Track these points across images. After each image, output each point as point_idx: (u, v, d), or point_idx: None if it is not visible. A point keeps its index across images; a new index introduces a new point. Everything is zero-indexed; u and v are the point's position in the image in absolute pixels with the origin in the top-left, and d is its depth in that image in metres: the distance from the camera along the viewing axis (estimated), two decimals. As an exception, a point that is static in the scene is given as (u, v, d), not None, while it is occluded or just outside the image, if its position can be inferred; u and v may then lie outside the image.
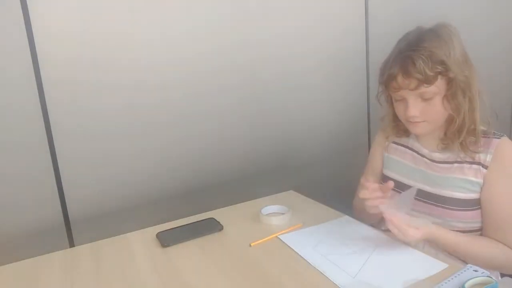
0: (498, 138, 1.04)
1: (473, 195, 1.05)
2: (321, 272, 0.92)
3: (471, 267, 0.88)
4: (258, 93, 1.51)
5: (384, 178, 1.22)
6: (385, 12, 1.70)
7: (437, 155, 1.11)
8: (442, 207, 1.07)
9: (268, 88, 1.53)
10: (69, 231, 1.30)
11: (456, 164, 1.07)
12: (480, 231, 1.08)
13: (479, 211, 1.06)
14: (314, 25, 1.57)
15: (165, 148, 1.39)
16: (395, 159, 1.20)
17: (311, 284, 0.89)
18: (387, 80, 1.03)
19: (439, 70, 0.97)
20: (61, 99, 1.22)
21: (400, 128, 1.17)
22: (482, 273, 0.85)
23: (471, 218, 1.06)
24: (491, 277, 0.83)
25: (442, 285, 0.83)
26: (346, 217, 1.17)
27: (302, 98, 1.60)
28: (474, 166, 1.04)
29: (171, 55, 1.34)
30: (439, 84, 0.99)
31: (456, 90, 1.00)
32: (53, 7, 1.18)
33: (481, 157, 1.04)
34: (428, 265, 0.91)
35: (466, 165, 1.05)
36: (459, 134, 1.04)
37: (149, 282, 0.94)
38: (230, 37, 1.42)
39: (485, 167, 1.03)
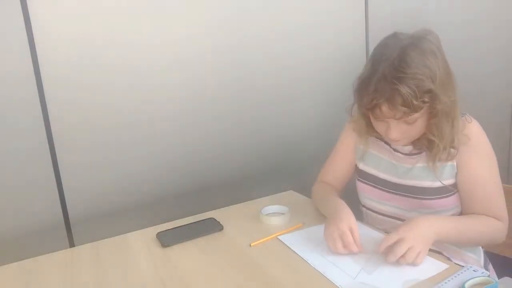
0: (462, 117, 1.03)
1: (448, 181, 1.05)
2: (321, 273, 0.92)
3: (471, 267, 0.88)
4: (258, 94, 1.51)
5: (360, 173, 1.20)
6: (385, 12, 1.70)
7: (409, 149, 1.11)
8: (419, 198, 1.08)
9: (268, 89, 1.53)
10: (69, 231, 1.30)
11: (425, 152, 1.06)
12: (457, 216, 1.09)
13: (454, 196, 1.07)
14: (314, 25, 1.57)
15: (165, 149, 1.39)
16: (374, 154, 1.17)
17: (311, 285, 0.89)
18: (370, 106, 0.98)
19: (427, 101, 0.94)
20: (61, 100, 1.22)
21: (374, 133, 1.13)
22: (482, 273, 0.85)
23: (447, 206, 1.07)
24: (491, 277, 0.83)
25: (442, 285, 0.83)
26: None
27: (302, 98, 1.60)
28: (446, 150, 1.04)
29: (171, 57, 1.34)
30: (424, 110, 0.97)
31: (441, 117, 0.99)
32: (53, 7, 1.18)
33: (452, 142, 1.03)
34: (429, 265, 0.91)
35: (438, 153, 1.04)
36: (435, 153, 1.03)
37: (149, 282, 0.94)
38: (229, 39, 1.42)
39: (456, 148, 1.03)
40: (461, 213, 1.10)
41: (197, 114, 1.42)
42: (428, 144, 1.04)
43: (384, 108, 0.96)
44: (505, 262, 1.24)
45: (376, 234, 1.08)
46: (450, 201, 1.07)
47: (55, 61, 1.20)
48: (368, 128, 1.13)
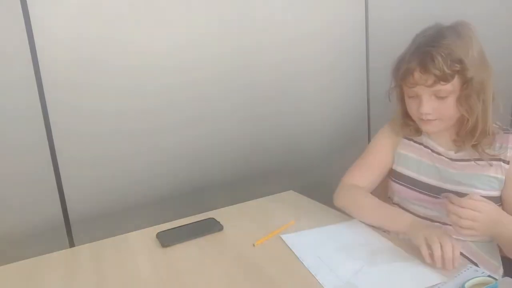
0: None
1: (493, 193, 1.03)
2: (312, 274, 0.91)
3: (471, 267, 0.88)
4: (258, 94, 1.51)
5: (397, 175, 1.19)
6: (385, 12, 1.70)
7: (453, 153, 1.10)
8: None
9: (268, 89, 1.53)
10: (69, 231, 1.30)
11: (474, 161, 1.05)
12: None
13: None
14: (314, 26, 1.57)
15: (165, 149, 1.39)
16: (411, 156, 1.17)
17: (300, 286, 0.89)
18: (404, 74, 1.02)
19: (457, 69, 0.97)
20: (61, 100, 1.22)
21: (411, 128, 1.15)
22: (482, 273, 0.85)
23: None
24: (491, 277, 0.83)
25: (442, 285, 0.83)
26: (355, 220, 1.15)
27: (302, 99, 1.60)
28: (494, 162, 1.03)
29: (171, 58, 1.34)
30: (455, 83, 0.99)
31: (471, 92, 0.99)
32: (53, 9, 1.18)
33: (500, 152, 1.02)
34: (425, 277, 0.88)
35: (485, 162, 1.03)
36: (471, 136, 1.03)
37: (149, 282, 0.94)
38: (230, 39, 1.42)
39: (506, 162, 1.02)
40: None
41: (198, 114, 1.42)
42: (463, 129, 1.03)
43: (417, 73, 0.99)
44: (505, 262, 1.24)
45: (382, 239, 1.05)
46: None
47: (55, 62, 1.20)
48: (405, 120, 1.14)
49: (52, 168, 1.24)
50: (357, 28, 1.67)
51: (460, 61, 0.97)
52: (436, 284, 0.83)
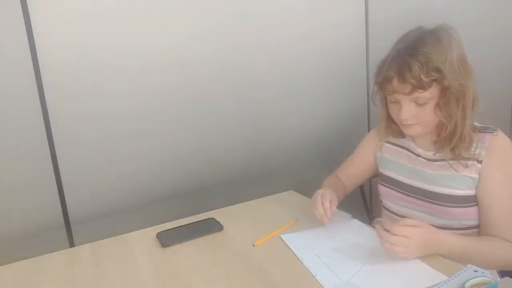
0: (492, 133, 1.05)
1: (469, 192, 1.05)
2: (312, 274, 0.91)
3: (471, 267, 0.88)
4: (258, 94, 1.51)
5: (381, 177, 1.23)
6: (385, 12, 1.70)
7: (432, 154, 1.12)
8: (440, 204, 1.08)
9: (268, 89, 1.53)
10: (69, 231, 1.30)
11: (450, 162, 1.07)
12: (476, 229, 1.08)
13: (475, 208, 1.06)
14: (314, 26, 1.57)
15: (165, 149, 1.39)
16: (391, 159, 1.21)
17: (300, 286, 0.89)
18: (383, 82, 1.04)
19: (434, 78, 0.97)
20: (61, 101, 1.22)
21: (395, 129, 1.17)
22: (482, 273, 0.85)
23: (468, 215, 1.07)
24: (491, 277, 0.83)
25: (442, 285, 0.83)
26: (355, 220, 1.16)
27: (302, 99, 1.60)
28: (469, 162, 1.05)
29: (171, 59, 1.34)
30: (433, 91, 1.00)
31: (450, 98, 1.00)
32: (54, 12, 1.17)
33: (475, 152, 1.04)
34: (427, 276, 0.88)
35: (461, 162, 1.05)
36: (450, 141, 1.05)
37: (149, 282, 0.94)
38: (229, 38, 1.42)
39: (480, 161, 1.03)
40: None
41: (197, 114, 1.42)
42: (441, 133, 1.05)
43: (395, 81, 1.00)
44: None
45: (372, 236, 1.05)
46: (472, 211, 1.06)
47: (55, 65, 1.20)
48: (389, 122, 1.17)
49: (52, 168, 1.24)
50: (357, 28, 1.67)
51: (438, 70, 0.97)
52: (436, 284, 0.83)
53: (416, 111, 1.03)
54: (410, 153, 1.17)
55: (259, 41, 1.47)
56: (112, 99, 1.29)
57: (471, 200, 1.06)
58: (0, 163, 1.18)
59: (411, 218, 1.11)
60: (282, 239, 1.08)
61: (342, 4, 1.61)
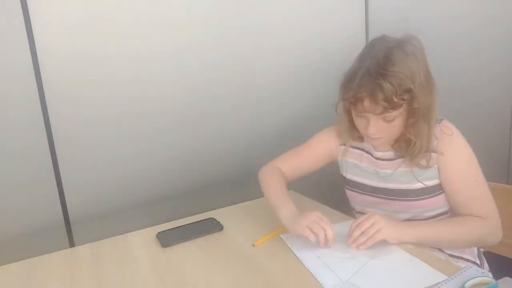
0: (439, 123, 1.08)
1: (431, 182, 1.08)
2: (314, 275, 0.92)
3: (471, 267, 0.88)
4: (258, 93, 1.51)
5: (346, 181, 1.24)
6: (385, 12, 1.70)
7: (390, 154, 1.14)
8: (405, 200, 1.11)
9: (268, 88, 1.53)
10: (69, 231, 1.30)
11: (407, 158, 1.09)
12: (444, 215, 1.12)
13: (442, 195, 1.09)
14: (314, 25, 1.57)
15: (165, 149, 1.39)
16: (354, 163, 1.22)
17: (300, 286, 0.89)
18: (354, 101, 1.02)
19: (406, 99, 0.98)
20: (61, 102, 1.22)
21: (355, 134, 1.17)
22: (482, 273, 0.85)
23: (435, 204, 1.10)
24: (491, 277, 0.83)
25: (442, 285, 0.83)
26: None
27: (302, 98, 1.60)
28: (426, 154, 1.07)
29: (171, 61, 1.34)
30: (402, 109, 1.01)
31: (418, 118, 1.02)
32: (55, 15, 1.17)
33: (429, 144, 1.06)
34: (427, 275, 0.88)
35: (417, 156, 1.07)
36: (413, 154, 1.06)
37: (149, 282, 0.94)
38: (229, 37, 1.42)
39: (435, 151, 1.06)
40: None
41: (197, 115, 1.42)
42: (407, 147, 1.07)
43: (366, 102, 1.00)
44: (505, 262, 1.24)
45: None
46: (437, 200, 1.10)
47: (55, 60, 1.20)
48: (351, 128, 1.16)
49: (52, 168, 1.24)
50: (357, 28, 1.67)
51: (409, 91, 0.98)
52: (436, 284, 0.83)
53: (384, 127, 1.04)
54: (370, 156, 1.18)
55: (259, 41, 1.47)
56: (112, 100, 1.28)
57: (435, 190, 1.09)
58: (0, 163, 1.18)
59: None
60: (282, 239, 1.08)
61: (342, 4, 1.61)
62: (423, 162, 1.07)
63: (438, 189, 1.09)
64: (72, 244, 1.30)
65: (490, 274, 0.85)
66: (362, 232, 0.98)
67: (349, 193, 1.25)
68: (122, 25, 1.26)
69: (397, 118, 1.02)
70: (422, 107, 1.01)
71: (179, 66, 1.36)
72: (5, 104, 1.16)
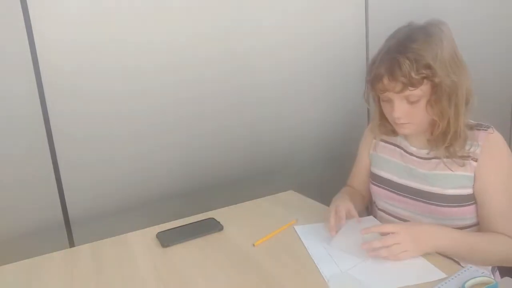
0: (486, 130, 1.04)
1: (464, 191, 1.04)
2: (315, 266, 0.93)
3: (471, 267, 0.88)
4: (259, 94, 1.51)
5: (373, 176, 1.22)
6: (385, 11, 1.70)
7: (425, 152, 1.10)
8: (433, 204, 1.07)
9: (268, 89, 1.53)
10: (69, 231, 1.30)
11: (444, 161, 1.06)
12: (471, 228, 1.07)
13: (472, 207, 1.05)
14: (314, 25, 1.57)
15: (165, 149, 1.39)
16: (384, 157, 1.19)
17: (300, 286, 0.89)
18: (373, 80, 1.02)
19: (425, 75, 0.96)
20: (61, 101, 1.22)
21: (388, 128, 1.16)
22: (482, 273, 0.85)
23: (462, 215, 1.05)
24: (491, 277, 0.83)
25: (442, 285, 0.83)
26: (371, 217, 1.16)
27: (302, 99, 1.60)
28: (465, 161, 1.03)
29: (172, 60, 1.34)
30: (424, 88, 0.98)
31: (441, 96, 0.99)
32: (54, 12, 1.18)
33: (470, 150, 1.03)
34: (426, 272, 0.89)
35: (456, 160, 1.04)
36: (443, 139, 1.03)
37: (149, 282, 0.94)
38: (230, 39, 1.42)
39: (475, 160, 1.02)
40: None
41: (197, 115, 1.42)
42: (442, 140, 1.03)
43: (385, 80, 0.99)
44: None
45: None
46: (467, 211, 1.05)
47: (56, 66, 1.20)
48: (382, 121, 1.15)
49: (52, 168, 1.24)
50: (357, 28, 1.67)
51: (428, 66, 0.96)
52: (436, 284, 0.83)
53: (408, 109, 1.01)
54: (403, 152, 1.15)
55: (259, 41, 1.47)
56: (112, 99, 1.29)
57: (466, 199, 1.04)
58: (0, 163, 1.18)
59: (403, 219, 1.14)
60: (295, 230, 1.11)
61: (342, 4, 1.61)
62: (459, 152, 1.02)
63: (470, 199, 1.04)
64: (72, 244, 1.30)
65: (490, 274, 0.85)
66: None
67: (374, 188, 1.21)
68: (122, 23, 1.26)
69: (420, 99, 0.99)
70: (444, 85, 0.97)
71: (180, 67, 1.36)
72: (5, 104, 1.16)
